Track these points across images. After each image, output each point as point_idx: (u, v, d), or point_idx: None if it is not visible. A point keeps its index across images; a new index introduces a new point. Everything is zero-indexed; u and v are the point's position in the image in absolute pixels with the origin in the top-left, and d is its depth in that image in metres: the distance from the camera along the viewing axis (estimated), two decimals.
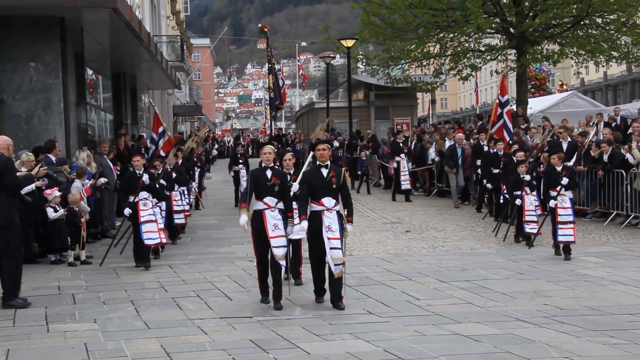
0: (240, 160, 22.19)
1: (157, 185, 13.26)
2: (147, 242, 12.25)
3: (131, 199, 12.47)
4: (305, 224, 9.72)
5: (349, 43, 29.31)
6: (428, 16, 25.31)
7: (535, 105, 29.34)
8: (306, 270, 10.85)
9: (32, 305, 10.06)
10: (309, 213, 9.75)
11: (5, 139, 10.86)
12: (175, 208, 15.39)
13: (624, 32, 25.14)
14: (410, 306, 9.51)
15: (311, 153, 11.24)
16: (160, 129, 15.64)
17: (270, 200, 9.84)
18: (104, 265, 12.74)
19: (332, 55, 41.09)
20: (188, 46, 55.12)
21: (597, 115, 24.72)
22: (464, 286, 10.70)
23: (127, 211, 12.43)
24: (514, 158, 15.08)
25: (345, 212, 9.87)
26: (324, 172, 9.83)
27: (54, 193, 13.27)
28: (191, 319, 9.08)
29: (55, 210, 13.24)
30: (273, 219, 9.78)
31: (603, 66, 29.08)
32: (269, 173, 9.89)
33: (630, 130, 19.38)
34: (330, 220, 9.66)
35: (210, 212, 21.01)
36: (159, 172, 14.13)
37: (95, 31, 17.94)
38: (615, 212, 16.54)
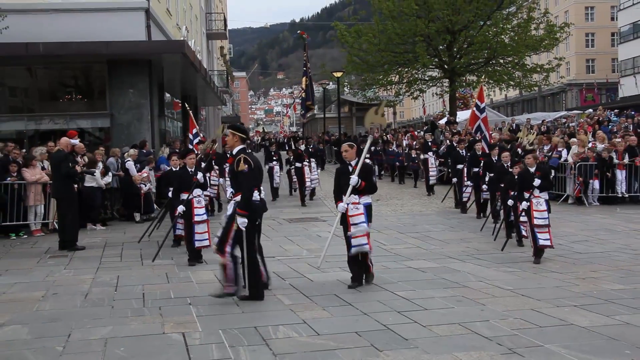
0: (274, 158, 16.79)
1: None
2: (197, 244, 8.78)
3: (184, 196, 8.90)
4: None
5: (339, 74, 29.28)
6: (391, 57, 25.43)
7: (462, 116, 29.05)
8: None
9: (132, 248, 10.13)
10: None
11: (66, 140, 10.42)
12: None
13: (517, 69, 25.85)
14: (379, 249, 9.52)
15: (369, 137, 8.36)
16: (194, 131, 13.56)
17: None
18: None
19: (327, 83, 40.99)
20: (231, 77, 54.72)
21: (510, 120, 24.93)
22: (415, 236, 10.77)
23: (181, 208, 8.78)
24: (500, 160, 10.89)
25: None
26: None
27: (144, 174, 13.37)
28: None
29: (145, 186, 13.35)
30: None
31: (504, 91, 29.18)
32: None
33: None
34: (227, 213, 6.24)
35: None
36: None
37: (170, 68, 17.94)
38: None
